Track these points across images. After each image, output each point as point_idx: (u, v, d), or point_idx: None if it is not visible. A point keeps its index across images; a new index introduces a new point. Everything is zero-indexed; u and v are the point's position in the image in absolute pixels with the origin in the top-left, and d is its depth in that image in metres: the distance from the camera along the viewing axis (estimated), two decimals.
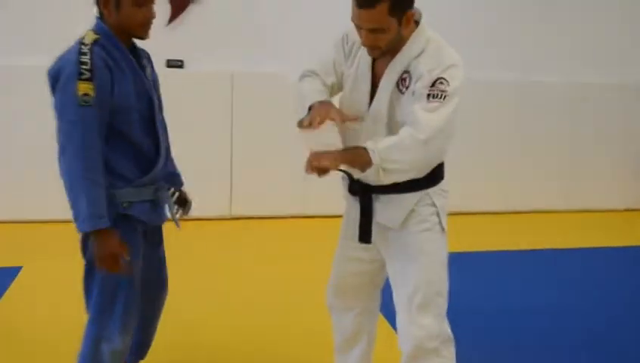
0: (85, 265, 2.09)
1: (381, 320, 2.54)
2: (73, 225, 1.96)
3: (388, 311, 2.32)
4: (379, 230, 2.15)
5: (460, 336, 2.20)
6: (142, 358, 2.41)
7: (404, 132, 1.91)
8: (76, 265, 2.13)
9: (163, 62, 4.94)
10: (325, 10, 4.97)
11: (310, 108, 2.01)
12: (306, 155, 1.92)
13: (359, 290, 2.34)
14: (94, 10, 2.05)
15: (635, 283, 4.17)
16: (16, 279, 3.76)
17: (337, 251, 2.36)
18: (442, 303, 2.10)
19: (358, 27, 1.92)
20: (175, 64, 5.04)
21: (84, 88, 1.89)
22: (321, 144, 1.93)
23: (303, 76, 2.18)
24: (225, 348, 3.01)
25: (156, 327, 2.42)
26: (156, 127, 2.14)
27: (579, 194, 5.93)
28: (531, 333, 3.27)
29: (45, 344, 2.95)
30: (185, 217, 2.43)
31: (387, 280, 2.25)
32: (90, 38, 1.97)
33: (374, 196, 2.11)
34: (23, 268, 3.92)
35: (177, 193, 2.37)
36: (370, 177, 1.97)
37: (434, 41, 1.98)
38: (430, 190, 2.09)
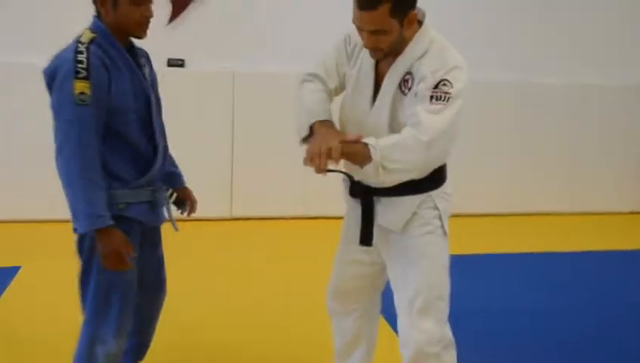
0: (81, 265, 2.08)
1: (382, 323, 2.53)
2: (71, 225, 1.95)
3: (389, 314, 2.31)
4: (380, 232, 2.13)
5: (461, 339, 2.18)
6: (141, 358, 2.41)
7: (406, 133, 1.89)
8: (74, 265, 2.12)
9: (164, 61, 4.94)
10: (325, 10, 4.97)
11: (311, 128, 2.01)
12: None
13: (360, 293, 2.33)
14: (93, 9, 2.04)
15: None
16: (14, 279, 3.75)
17: (337, 254, 2.35)
18: (444, 307, 2.09)
19: (360, 29, 1.90)
20: (175, 63, 5.04)
21: (80, 86, 1.89)
22: None
23: (305, 81, 2.16)
24: (225, 349, 2.99)
25: (154, 329, 2.41)
26: (153, 127, 2.12)
27: (581, 196, 5.90)
28: (533, 335, 3.25)
29: (43, 344, 2.94)
30: (185, 217, 2.42)
31: (388, 283, 2.23)
32: (87, 36, 1.96)
33: (375, 198, 2.10)
34: (21, 268, 3.91)
35: (175, 194, 2.36)
36: (370, 177, 1.96)
37: (437, 42, 1.96)
38: (433, 193, 2.08)
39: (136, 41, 2.12)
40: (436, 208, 2.08)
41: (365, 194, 2.11)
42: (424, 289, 2.05)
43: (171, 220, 2.30)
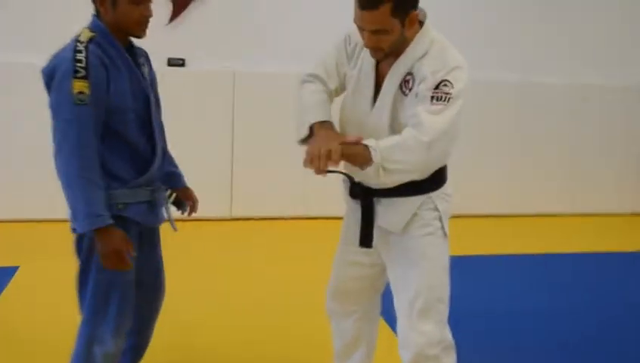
0: (79, 265, 2.08)
1: (382, 325, 2.52)
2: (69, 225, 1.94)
3: (389, 316, 2.30)
4: (380, 234, 2.12)
5: (461, 340, 2.18)
6: (139, 359, 2.39)
7: (407, 133, 1.88)
8: (73, 265, 2.11)
9: (164, 60, 4.94)
10: (325, 10, 4.97)
11: (311, 129, 2.01)
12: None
13: (359, 295, 2.32)
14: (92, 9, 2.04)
15: None
16: (13, 279, 3.74)
17: (336, 255, 2.34)
18: (444, 309, 2.08)
19: (361, 29, 1.89)
20: (176, 63, 5.03)
21: (79, 86, 1.88)
22: None
23: (305, 81, 2.15)
24: (225, 349, 2.99)
25: (153, 329, 2.40)
26: (152, 127, 2.11)
27: (581, 197, 5.89)
28: (533, 336, 3.24)
29: (42, 344, 2.93)
30: (185, 217, 2.41)
31: (388, 284, 2.22)
32: (86, 36, 1.95)
33: (375, 199, 2.09)
34: (20, 268, 3.90)
35: (174, 194, 2.35)
36: (370, 178, 1.95)
37: (438, 43, 1.95)
38: (433, 194, 2.07)
39: (136, 41, 2.11)
40: (437, 209, 2.07)
41: (365, 195, 2.10)
42: (424, 290, 2.04)
43: (170, 220, 2.29)
